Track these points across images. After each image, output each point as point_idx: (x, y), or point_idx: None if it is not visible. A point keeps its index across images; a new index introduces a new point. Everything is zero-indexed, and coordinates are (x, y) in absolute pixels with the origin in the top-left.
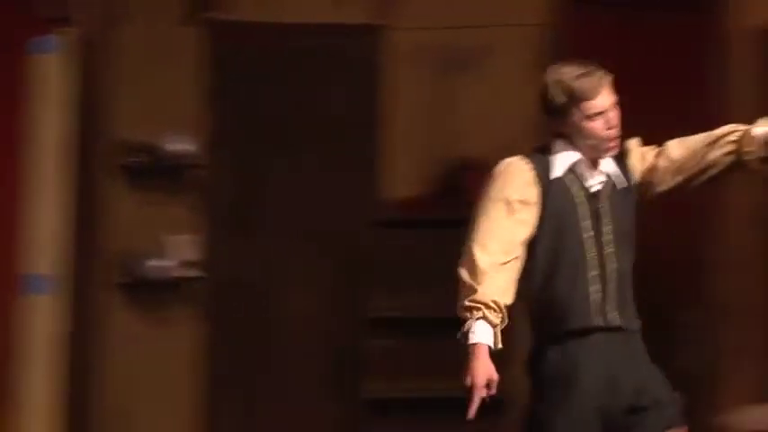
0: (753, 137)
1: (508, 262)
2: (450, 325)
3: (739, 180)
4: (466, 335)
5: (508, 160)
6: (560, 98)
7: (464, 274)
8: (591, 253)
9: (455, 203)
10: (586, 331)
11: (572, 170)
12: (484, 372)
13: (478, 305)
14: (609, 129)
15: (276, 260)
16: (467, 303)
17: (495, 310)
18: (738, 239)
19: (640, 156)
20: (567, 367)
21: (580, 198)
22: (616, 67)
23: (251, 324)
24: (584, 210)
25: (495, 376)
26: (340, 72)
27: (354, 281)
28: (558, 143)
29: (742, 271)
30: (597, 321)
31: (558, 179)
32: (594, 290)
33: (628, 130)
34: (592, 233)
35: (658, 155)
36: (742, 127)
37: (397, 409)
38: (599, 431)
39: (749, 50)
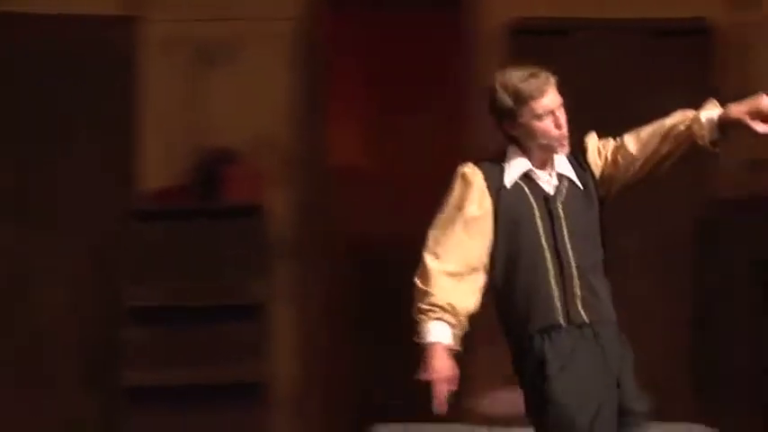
0: (703, 122)
1: (463, 273)
2: (207, 314)
3: None
4: (423, 335)
5: (462, 170)
6: (508, 101)
7: (417, 280)
8: (548, 254)
9: (209, 193)
10: (550, 330)
11: (525, 176)
12: (442, 369)
13: (434, 308)
14: (558, 127)
15: (34, 251)
16: (422, 306)
17: (450, 313)
18: None
19: (597, 152)
20: (540, 367)
21: (534, 202)
22: (368, 64)
23: (7, 315)
24: (538, 213)
25: (455, 371)
26: (94, 63)
27: (111, 271)
28: (511, 149)
29: None
30: (560, 320)
31: (512, 186)
32: (554, 289)
33: (382, 125)
34: (547, 235)
35: (616, 150)
36: (690, 113)
37: (155, 398)
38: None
39: (496, 49)
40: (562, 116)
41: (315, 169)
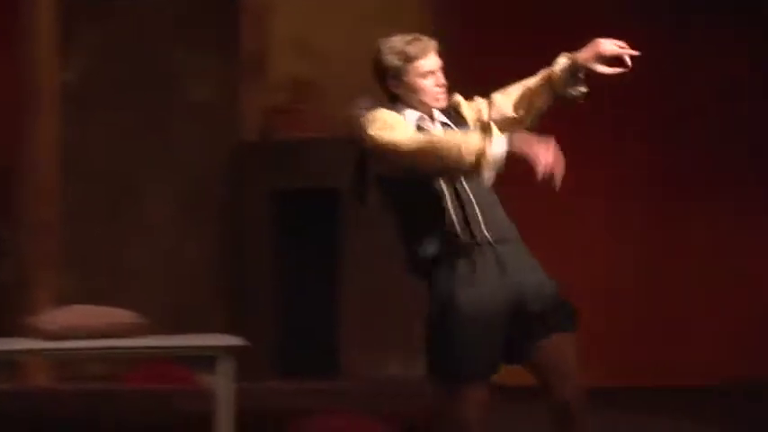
0: (558, 74)
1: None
2: None
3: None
4: (494, 156)
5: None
6: (395, 61)
7: (426, 144)
8: (448, 186)
9: None
10: (459, 249)
11: (419, 123)
12: (536, 144)
13: (474, 141)
14: (438, 86)
15: None
16: (465, 150)
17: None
18: (44, 162)
19: (470, 107)
20: (452, 284)
21: None
22: None
23: None
24: None
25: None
26: None
27: None
28: (397, 106)
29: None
30: (465, 239)
31: (414, 127)
32: (455, 214)
33: None
34: None
35: (489, 108)
36: (548, 70)
37: None
38: (500, 334)
39: (46, 5)
40: (441, 77)
41: None
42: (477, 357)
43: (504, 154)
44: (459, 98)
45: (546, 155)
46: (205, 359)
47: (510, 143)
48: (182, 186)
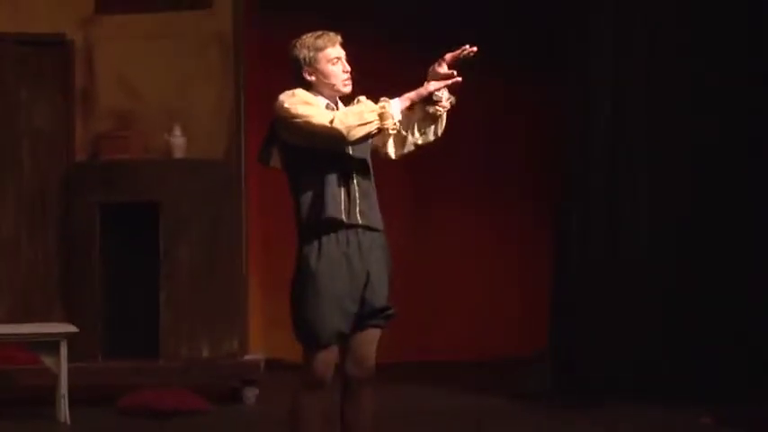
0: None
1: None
2: None
3: None
4: (397, 111)
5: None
6: (307, 53)
7: (343, 127)
8: (339, 171)
9: None
10: (335, 224)
11: (328, 105)
12: (423, 88)
13: (376, 111)
14: (344, 72)
15: None
16: (374, 117)
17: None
18: None
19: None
20: (319, 257)
21: None
22: None
23: None
24: None
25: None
26: None
27: None
28: (311, 92)
29: None
30: (343, 217)
31: None
32: (342, 194)
33: None
34: (341, 157)
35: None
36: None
37: None
38: (349, 311)
39: None
40: (347, 64)
41: None
42: (326, 328)
43: (402, 106)
44: (362, 98)
45: (437, 86)
46: (46, 344)
47: (403, 99)
48: (24, 198)
